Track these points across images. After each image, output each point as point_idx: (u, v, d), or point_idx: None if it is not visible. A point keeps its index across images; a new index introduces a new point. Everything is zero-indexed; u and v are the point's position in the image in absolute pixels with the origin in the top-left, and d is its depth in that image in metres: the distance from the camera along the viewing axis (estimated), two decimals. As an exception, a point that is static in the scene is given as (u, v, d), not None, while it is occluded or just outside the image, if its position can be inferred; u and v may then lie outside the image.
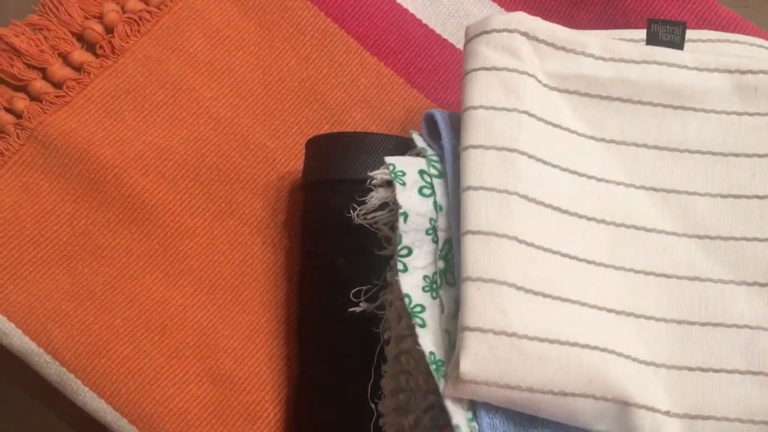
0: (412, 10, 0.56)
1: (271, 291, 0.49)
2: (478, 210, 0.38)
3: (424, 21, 0.56)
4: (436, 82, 0.54)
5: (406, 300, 0.39)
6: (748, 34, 0.49)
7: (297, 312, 0.48)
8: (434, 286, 0.40)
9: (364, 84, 0.54)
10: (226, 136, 0.52)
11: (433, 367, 0.37)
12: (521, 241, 0.38)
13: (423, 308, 0.39)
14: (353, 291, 0.43)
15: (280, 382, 0.47)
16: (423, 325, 0.39)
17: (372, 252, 0.43)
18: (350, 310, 0.43)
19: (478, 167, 0.39)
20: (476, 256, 0.37)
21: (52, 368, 0.46)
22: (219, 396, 0.46)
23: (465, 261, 0.37)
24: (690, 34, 0.46)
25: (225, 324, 0.48)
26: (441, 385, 0.36)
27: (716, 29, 0.51)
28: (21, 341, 0.46)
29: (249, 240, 0.50)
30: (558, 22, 0.53)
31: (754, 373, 0.37)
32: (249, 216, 0.51)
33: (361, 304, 0.43)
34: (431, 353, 0.37)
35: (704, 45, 0.45)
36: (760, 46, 0.46)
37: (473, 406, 0.37)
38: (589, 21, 0.53)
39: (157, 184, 0.50)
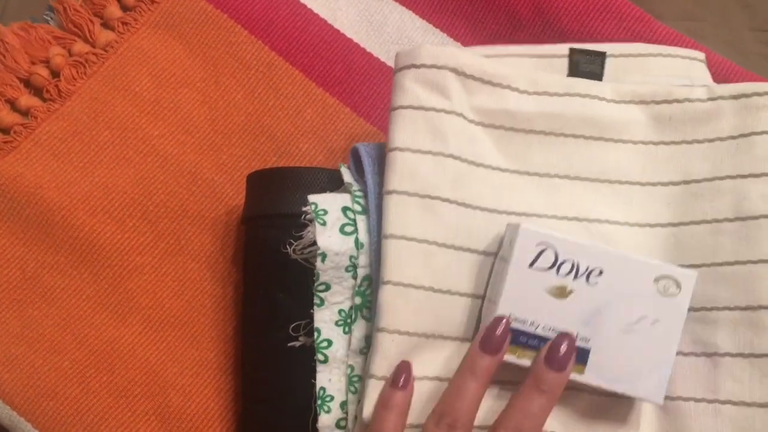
0: (356, 39, 0.56)
1: (220, 325, 0.50)
2: (398, 260, 0.39)
3: (368, 49, 0.56)
4: (381, 109, 0.55)
5: (315, 334, 0.40)
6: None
7: (240, 346, 0.48)
8: (348, 320, 0.41)
9: (310, 115, 0.54)
10: (173, 173, 0.52)
11: (318, 402, 0.40)
12: (437, 291, 0.39)
13: (329, 343, 0.41)
14: (292, 325, 0.43)
15: (228, 418, 0.48)
16: (324, 361, 0.41)
17: (310, 286, 0.43)
18: (290, 344, 0.43)
19: (400, 215, 0.40)
20: (393, 306, 0.39)
21: (3, 412, 0.46)
22: (167, 434, 0.47)
23: (380, 312, 0.39)
24: (623, 48, 0.46)
25: (174, 360, 0.48)
26: (320, 419, 0.40)
27: (655, 45, 0.51)
28: (-29, 386, 0.46)
29: (198, 275, 0.51)
30: (499, 45, 0.54)
31: None
32: (197, 252, 0.51)
33: (300, 338, 0.43)
34: (321, 388, 0.41)
35: (635, 60, 0.45)
36: (693, 59, 0.46)
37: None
38: (529, 42, 0.53)
39: (105, 224, 0.51)
